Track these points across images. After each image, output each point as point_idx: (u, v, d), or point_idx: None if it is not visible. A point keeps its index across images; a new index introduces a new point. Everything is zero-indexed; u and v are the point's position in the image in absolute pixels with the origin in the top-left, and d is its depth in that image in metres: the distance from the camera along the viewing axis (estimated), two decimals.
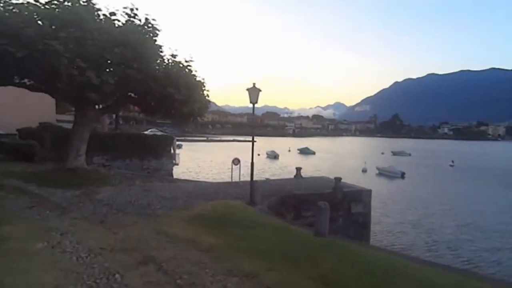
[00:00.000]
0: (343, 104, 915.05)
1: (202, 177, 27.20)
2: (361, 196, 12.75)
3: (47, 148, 17.10)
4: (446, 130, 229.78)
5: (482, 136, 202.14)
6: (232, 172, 18.18)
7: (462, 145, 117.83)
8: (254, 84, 9.40)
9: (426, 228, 17.06)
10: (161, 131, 40.31)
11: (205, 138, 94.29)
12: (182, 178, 21.42)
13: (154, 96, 11.49)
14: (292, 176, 17.38)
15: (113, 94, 11.98)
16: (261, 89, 9.43)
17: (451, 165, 47.82)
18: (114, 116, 49.05)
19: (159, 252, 5.04)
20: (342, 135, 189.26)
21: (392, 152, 68.42)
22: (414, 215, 19.47)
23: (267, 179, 18.49)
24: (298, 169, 15.22)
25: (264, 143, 78.63)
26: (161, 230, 6.14)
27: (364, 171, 38.20)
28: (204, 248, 5.40)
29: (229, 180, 20.30)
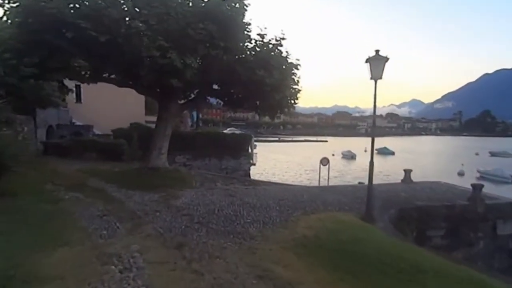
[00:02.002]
0: (420, 101, 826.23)
1: (280, 179, 25.29)
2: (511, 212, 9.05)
3: (134, 147, 17.22)
4: None
5: None
6: (320, 173, 15.66)
7: None
8: (377, 51, 6.78)
9: None
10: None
11: (277, 139, 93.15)
12: (260, 179, 19.77)
13: (241, 82, 9.79)
14: (391, 180, 13.96)
15: (196, 83, 10.72)
16: (388, 57, 6.77)
17: None
18: (195, 118, 50.98)
19: None
20: (420, 134, 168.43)
21: (490, 152, 58.35)
22: None
23: (360, 183, 15.49)
24: (408, 172, 11.84)
25: (336, 143, 74.00)
26: (262, 269, 4.07)
27: (460, 174, 31.84)
28: None
29: (316, 182, 17.83)
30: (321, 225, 5.97)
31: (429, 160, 48.33)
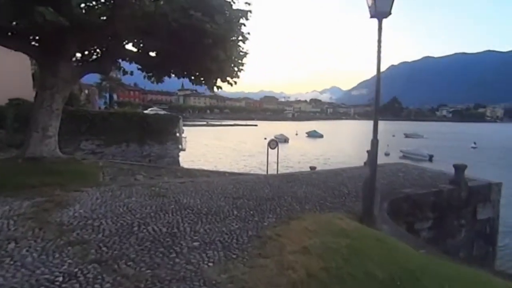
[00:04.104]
0: (339, 88, 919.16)
1: (215, 166, 22.49)
2: (490, 194, 8.16)
3: (10, 130, 12.52)
4: (445, 112, 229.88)
5: (481, 117, 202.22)
6: (268, 159, 13.40)
7: (465, 127, 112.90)
8: None
9: None
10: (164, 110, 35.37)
11: (205, 123, 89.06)
12: (192, 167, 16.79)
13: (168, 31, 6.64)
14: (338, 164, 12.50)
15: (98, 33, 7.12)
16: None
17: (473, 147, 44.21)
18: (108, 96, 43.84)
19: None
20: (341, 119, 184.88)
21: (404, 134, 65.92)
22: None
23: (311, 167, 13.84)
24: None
25: (266, 127, 74.35)
26: None
27: (386, 154, 34.10)
28: None
29: (257, 169, 15.74)
30: (320, 243, 3.58)
31: (356, 141, 51.18)
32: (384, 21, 4.64)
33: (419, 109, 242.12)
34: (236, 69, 9.00)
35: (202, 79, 8.96)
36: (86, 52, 9.00)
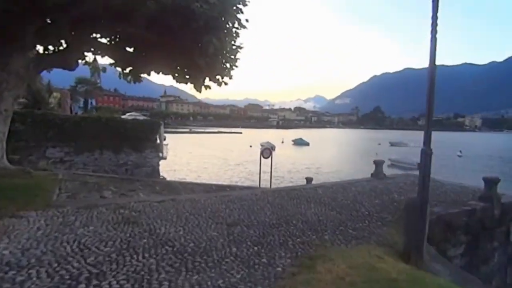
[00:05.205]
0: (323, 97, 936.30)
1: (199, 176, 20.91)
2: None
3: None
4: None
5: (460, 127, 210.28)
6: (260, 169, 11.99)
7: (445, 136, 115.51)
8: None
9: None
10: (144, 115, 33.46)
11: (187, 130, 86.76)
12: (174, 179, 15.26)
13: (146, 14, 5.25)
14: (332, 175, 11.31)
15: (59, 13, 5.66)
16: None
17: (459, 155, 44.51)
18: (83, 101, 41.24)
19: None
20: (325, 127, 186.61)
21: (390, 142, 66.12)
22: None
23: (308, 179, 12.57)
24: (379, 164, 9.23)
25: (251, 135, 73.29)
26: None
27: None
28: None
29: (245, 179, 14.26)
30: None
31: (343, 149, 50.63)
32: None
33: (401, 118, 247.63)
34: (228, 65, 7.66)
35: (188, 77, 7.55)
36: (47, 43, 7.41)
